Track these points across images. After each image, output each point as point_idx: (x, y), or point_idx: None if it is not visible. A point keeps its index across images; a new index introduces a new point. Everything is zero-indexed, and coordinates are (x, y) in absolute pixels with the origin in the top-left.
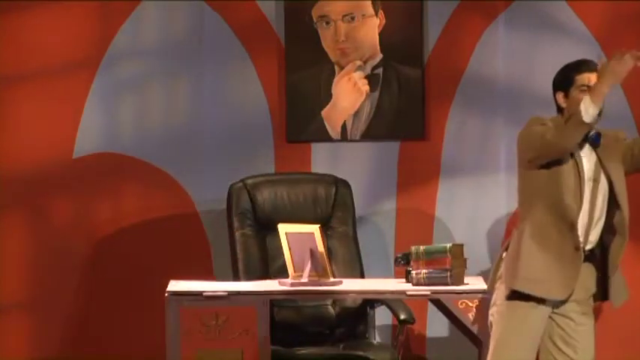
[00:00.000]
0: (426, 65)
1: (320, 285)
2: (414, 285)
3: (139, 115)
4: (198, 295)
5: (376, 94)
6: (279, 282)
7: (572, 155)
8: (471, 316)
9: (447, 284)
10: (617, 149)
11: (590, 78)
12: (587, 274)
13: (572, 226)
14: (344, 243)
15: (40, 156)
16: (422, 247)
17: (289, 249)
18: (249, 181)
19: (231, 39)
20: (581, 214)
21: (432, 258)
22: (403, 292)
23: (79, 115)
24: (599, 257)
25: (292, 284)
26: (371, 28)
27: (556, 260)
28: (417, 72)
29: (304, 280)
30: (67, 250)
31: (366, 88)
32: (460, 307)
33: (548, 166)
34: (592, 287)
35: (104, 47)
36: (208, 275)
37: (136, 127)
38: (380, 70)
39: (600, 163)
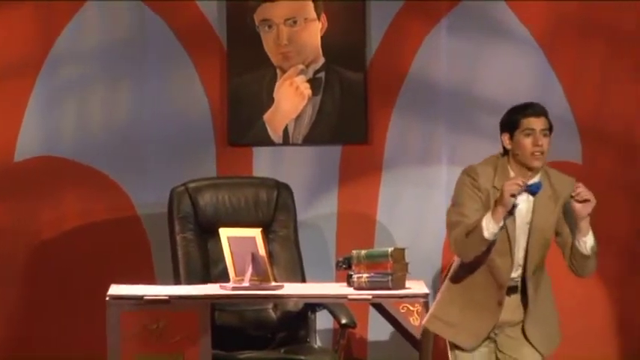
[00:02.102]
0: (368, 69)
1: (261, 289)
2: (355, 289)
3: (80, 118)
4: (139, 299)
5: (318, 98)
6: (221, 286)
7: None
8: (412, 320)
9: (388, 288)
10: (556, 208)
11: (536, 122)
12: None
13: (501, 286)
14: (285, 247)
15: None
16: (363, 251)
17: (231, 253)
18: (191, 185)
19: (173, 42)
20: (518, 254)
21: (373, 262)
22: (344, 296)
23: (20, 118)
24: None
25: (234, 288)
26: (313, 32)
27: (475, 310)
28: (360, 76)
29: (246, 284)
30: (8, 254)
31: (308, 92)
32: (401, 311)
33: None
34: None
35: (46, 49)
36: (149, 279)
37: (78, 131)
38: (322, 74)
39: (532, 215)
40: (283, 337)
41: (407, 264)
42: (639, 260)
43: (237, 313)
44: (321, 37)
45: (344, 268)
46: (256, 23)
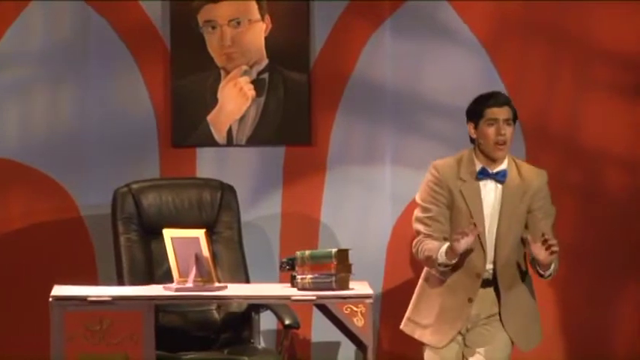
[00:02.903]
0: (312, 70)
1: (205, 290)
2: (299, 290)
3: (24, 119)
4: (82, 299)
5: (262, 99)
6: (164, 287)
7: (466, 204)
8: (356, 320)
9: (332, 289)
10: (525, 197)
11: (499, 112)
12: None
13: (478, 276)
14: (229, 248)
15: None
16: (307, 252)
17: (174, 254)
18: (135, 186)
19: (117, 43)
20: (490, 243)
21: (317, 263)
22: (288, 297)
23: None
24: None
25: (177, 289)
26: (257, 32)
27: (447, 309)
28: (303, 77)
29: (189, 285)
30: None
31: (252, 93)
32: (345, 312)
33: (450, 218)
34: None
35: None
36: (93, 280)
37: (21, 131)
38: (266, 75)
39: (501, 203)
40: (227, 338)
41: (350, 265)
42: (584, 261)
43: (181, 314)
44: (265, 38)
45: (288, 269)
46: (200, 24)
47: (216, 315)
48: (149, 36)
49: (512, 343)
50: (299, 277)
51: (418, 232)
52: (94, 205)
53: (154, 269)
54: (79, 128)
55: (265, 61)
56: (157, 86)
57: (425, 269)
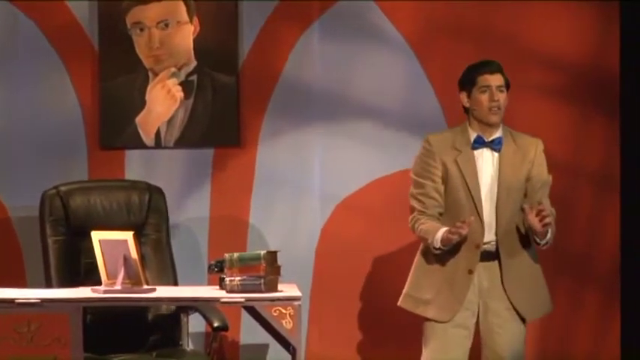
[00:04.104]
0: (240, 72)
1: (133, 292)
2: (227, 292)
3: None
4: (10, 302)
5: (190, 100)
6: (92, 289)
7: (462, 175)
8: (285, 323)
9: (260, 291)
10: (523, 164)
11: (492, 79)
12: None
13: (477, 246)
14: (158, 250)
15: None
16: (236, 254)
17: (102, 256)
18: (63, 188)
19: (44, 44)
20: (489, 212)
21: (245, 265)
22: (217, 300)
23: None
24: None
25: (105, 291)
26: (185, 34)
27: (446, 282)
28: (232, 79)
29: (118, 287)
30: None
31: (180, 94)
32: (274, 314)
33: (445, 190)
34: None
35: None
36: (21, 282)
37: None
38: (194, 77)
39: (499, 171)
40: (155, 340)
41: (279, 267)
42: None
43: (109, 316)
44: (194, 40)
45: (216, 272)
46: (128, 26)
47: (144, 317)
48: (76, 37)
49: (524, 320)
50: (228, 279)
51: (413, 209)
52: (21, 207)
53: (82, 271)
54: (5, 129)
55: (194, 63)
56: (84, 88)
57: (422, 243)
